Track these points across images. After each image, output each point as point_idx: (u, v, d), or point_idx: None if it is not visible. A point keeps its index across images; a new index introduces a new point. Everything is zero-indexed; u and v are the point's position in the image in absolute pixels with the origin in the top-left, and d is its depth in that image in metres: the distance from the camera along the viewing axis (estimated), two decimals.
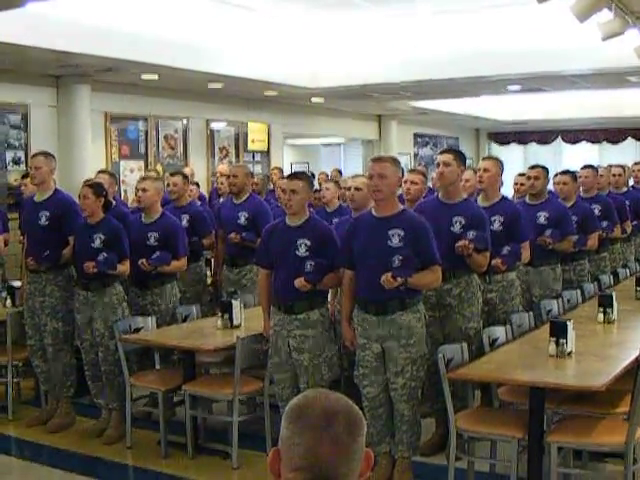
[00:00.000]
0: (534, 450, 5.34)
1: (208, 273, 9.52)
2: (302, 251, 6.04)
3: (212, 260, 9.64)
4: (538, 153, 23.97)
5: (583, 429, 5.33)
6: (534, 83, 14.39)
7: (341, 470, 2.11)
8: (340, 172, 15.81)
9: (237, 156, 15.96)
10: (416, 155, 22.19)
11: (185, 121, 14.86)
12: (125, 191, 13.15)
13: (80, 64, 11.25)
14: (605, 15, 7.51)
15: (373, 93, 15.23)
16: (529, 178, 8.10)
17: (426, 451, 6.42)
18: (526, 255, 7.11)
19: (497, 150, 24.79)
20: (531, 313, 7.00)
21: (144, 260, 7.37)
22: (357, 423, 2.16)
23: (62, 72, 12.03)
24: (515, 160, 22.51)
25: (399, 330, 5.72)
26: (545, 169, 8.15)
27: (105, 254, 7.03)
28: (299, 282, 5.94)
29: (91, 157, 12.54)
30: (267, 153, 16.82)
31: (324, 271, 6.04)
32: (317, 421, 2.11)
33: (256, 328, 6.72)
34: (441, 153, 6.80)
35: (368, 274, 5.73)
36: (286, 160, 18.76)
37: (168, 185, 8.84)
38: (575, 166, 10.19)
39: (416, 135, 22.41)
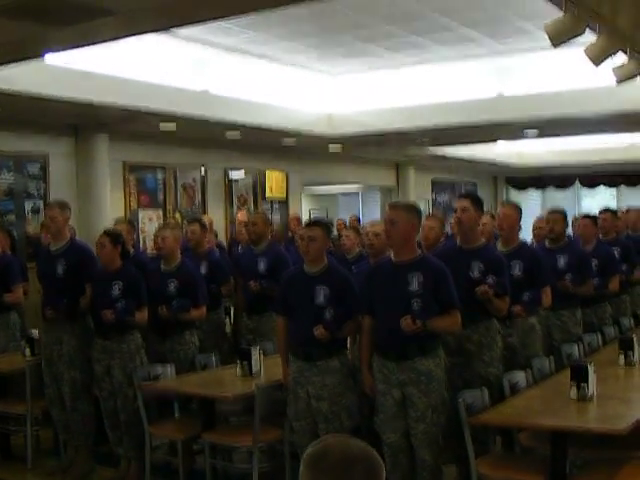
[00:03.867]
0: None
1: (227, 321, 9.49)
2: (321, 299, 6.02)
3: (231, 308, 9.64)
4: (556, 197, 23.96)
5: (606, 474, 5.26)
6: (551, 127, 14.41)
7: None
8: (358, 219, 15.83)
9: (255, 204, 16.03)
10: (434, 201, 22.21)
11: (203, 170, 14.94)
12: (144, 240, 13.20)
13: (98, 114, 11.35)
14: (620, 58, 7.52)
15: (390, 140, 15.30)
16: (548, 222, 8.11)
17: None
18: (547, 300, 7.10)
19: (515, 195, 24.80)
20: (552, 357, 6.96)
21: (164, 306, 7.38)
22: (376, 470, 2.14)
23: (80, 122, 12.16)
24: (533, 205, 22.51)
25: (419, 376, 5.68)
26: (564, 213, 8.16)
27: (124, 302, 7.05)
28: (318, 331, 5.91)
29: (110, 206, 12.64)
30: (285, 201, 16.88)
31: (343, 319, 6.02)
32: (335, 468, 2.09)
33: (275, 376, 6.68)
34: (459, 198, 6.81)
35: (387, 320, 5.71)
36: (304, 208, 18.79)
37: (186, 233, 8.87)
38: (593, 210, 10.20)
39: (434, 181, 22.45)
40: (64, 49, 8.28)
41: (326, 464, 2.11)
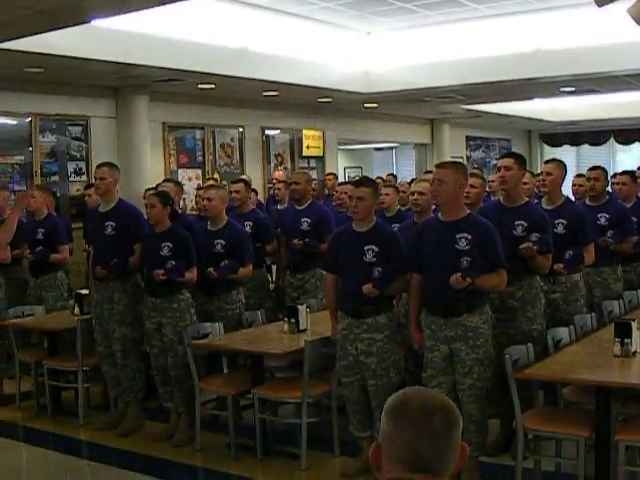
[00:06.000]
0: (601, 449, 5.37)
1: (270, 279, 9.63)
2: (369, 257, 6.13)
3: (274, 266, 9.76)
4: (590, 154, 23.83)
5: None
6: (587, 84, 14.36)
7: (439, 462, 2.23)
8: (394, 176, 15.89)
9: (292, 162, 16.12)
10: (469, 158, 22.18)
11: (241, 129, 15.04)
12: (184, 199, 13.34)
13: (138, 75, 11.45)
14: None
15: (426, 97, 15.30)
16: (589, 179, 8.14)
17: (492, 451, 6.45)
18: (590, 257, 7.11)
19: (549, 152, 24.66)
20: (593, 314, 7.02)
21: (212, 269, 7.48)
22: (454, 418, 2.28)
23: (121, 84, 12.27)
24: (568, 162, 22.39)
25: (466, 332, 5.79)
26: (605, 170, 8.18)
27: (173, 262, 7.19)
28: (367, 288, 6.03)
29: (150, 166, 12.77)
30: (322, 159, 16.94)
31: (391, 276, 6.13)
32: (416, 416, 2.22)
33: (322, 332, 6.83)
34: (501, 157, 6.86)
35: (436, 277, 5.82)
36: (339, 165, 18.85)
37: (230, 192, 8.96)
38: (628, 167, 10.16)
39: (468, 138, 22.41)
40: (109, 15, 8.38)
41: (407, 412, 2.24)
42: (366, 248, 6.14)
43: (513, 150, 20.41)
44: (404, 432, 2.22)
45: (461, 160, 20.94)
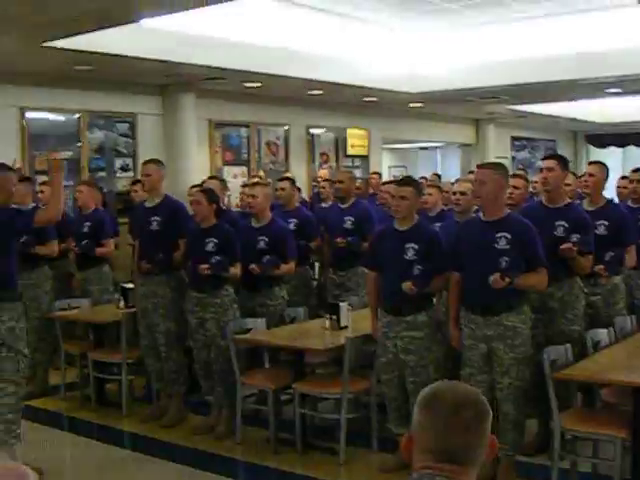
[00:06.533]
0: (638, 450, 5.36)
1: (313, 276, 9.71)
2: (410, 255, 6.21)
3: (317, 264, 9.83)
4: (637, 156, 23.62)
5: None
6: (634, 85, 14.27)
7: (468, 453, 2.31)
8: (439, 176, 15.91)
9: (337, 161, 16.19)
10: (514, 159, 22.10)
11: (286, 127, 15.14)
12: (228, 196, 13.44)
13: (185, 73, 11.58)
14: None
15: (470, 97, 15.31)
16: (632, 181, 8.13)
17: (529, 451, 6.49)
18: (631, 260, 7.13)
19: (595, 153, 24.50)
20: (633, 316, 7.02)
21: (255, 265, 7.57)
22: (484, 411, 2.35)
23: (168, 81, 12.41)
24: (613, 163, 22.26)
25: (505, 331, 5.85)
26: None
27: (218, 257, 7.29)
28: (407, 286, 6.10)
29: (196, 163, 12.91)
30: (366, 158, 17.00)
31: (431, 275, 6.20)
32: (448, 408, 2.31)
33: (363, 329, 6.90)
34: (544, 159, 6.91)
35: (475, 276, 5.88)
36: (384, 164, 18.89)
37: (276, 190, 9.05)
38: None
39: (514, 138, 22.33)
40: (158, 15, 8.51)
41: (438, 405, 2.33)
42: (407, 246, 6.22)
43: (558, 151, 20.33)
44: (435, 424, 2.31)
45: (506, 161, 20.91)
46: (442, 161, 23.22)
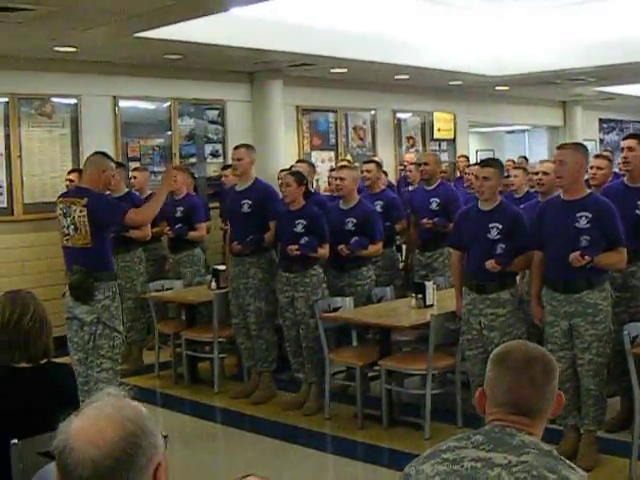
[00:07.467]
0: None
1: (400, 258, 9.86)
2: (493, 234, 6.36)
3: (403, 245, 9.98)
4: None
5: None
6: None
7: (537, 406, 2.53)
8: (526, 159, 15.88)
9: (423, 145, 16.23)
10: (602, 141, 21.86)
11: (373, 112, 15.23)
12: (317, 180, 13.63)
13: (273, 60, 11.77)
14: None
15: (557, 79, 15.22)
16: None
17: (611, 428, 6.58)
18: None
19: None
20: None
21: (343, 246, 7.76)
22: (551, 368, 2.58)
23: (256, 69, 12.58)
24: None
25: (586, 308, 5.94)
26: None
27: (307, 238, 7.51)
28: (490, 264, 6.26)
29: (284, 148, 13.07)
30: (453, 141, 17.02)
31: (514, 253, 6.33)
32: (517, 365, 2.53)
33: (448, 307, 7.07)
34: (625, 138, 6.92)
35: (556, 254, 5.98)
36: (471, 147, 18.90)
37: (362, 172, 9.22)
38: None
39: (602, 120, 22.08)
40: (247, 3, 8.69)
41: (509, 361, 2.55)
42: (490, 226, 6.36)
43: None
44: (505, 378, 2.52)
45: (594, 143, 20.73)
46: (530, 144, 23.07)
